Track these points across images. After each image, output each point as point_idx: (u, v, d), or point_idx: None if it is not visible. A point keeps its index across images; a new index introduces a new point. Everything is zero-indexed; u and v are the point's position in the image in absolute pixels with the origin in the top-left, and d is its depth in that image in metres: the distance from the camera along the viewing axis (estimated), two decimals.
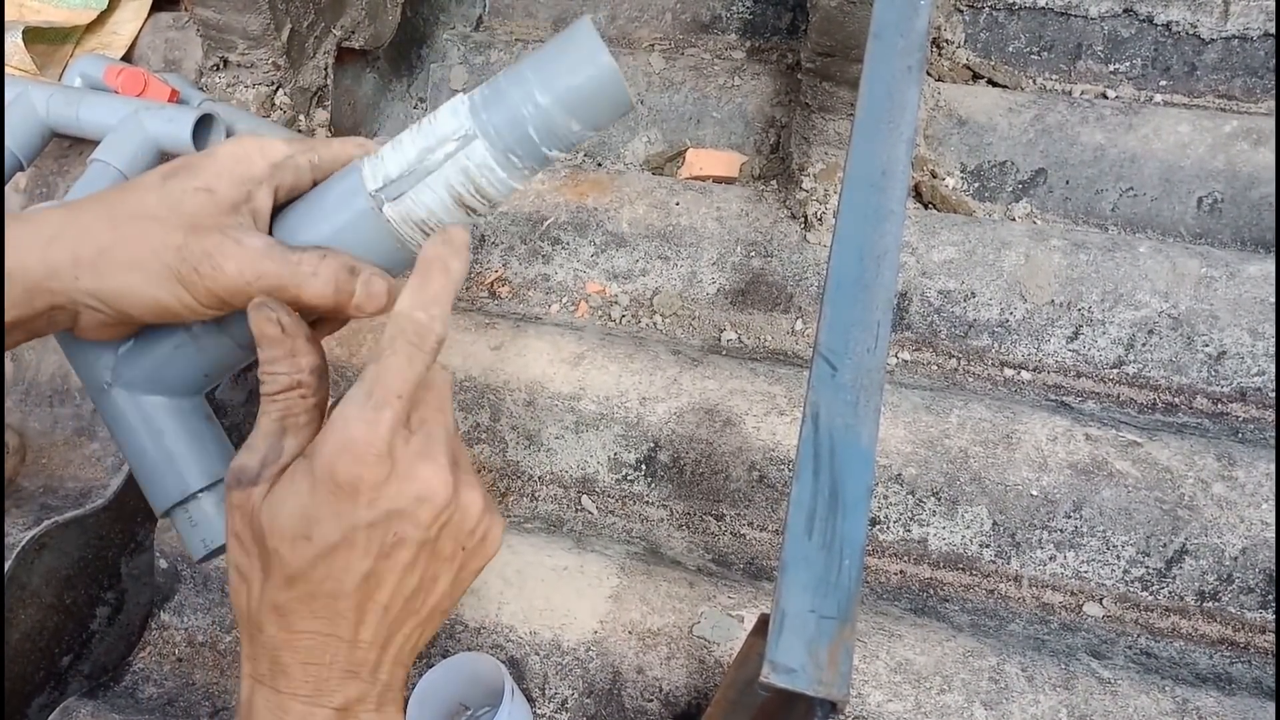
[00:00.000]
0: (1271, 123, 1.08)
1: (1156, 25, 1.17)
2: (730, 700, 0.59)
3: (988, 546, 0.91)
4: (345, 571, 0.41)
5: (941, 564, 0.93)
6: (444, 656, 0.79)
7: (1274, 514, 0.86)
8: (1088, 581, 0.90)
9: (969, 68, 1.24)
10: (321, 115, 1.21)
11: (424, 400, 0.44)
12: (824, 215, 1.07)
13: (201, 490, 0.50)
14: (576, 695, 0.82)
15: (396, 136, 0.45)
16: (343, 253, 0.44)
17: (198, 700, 0.88)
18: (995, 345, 1.05)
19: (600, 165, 1.28)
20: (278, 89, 1.15)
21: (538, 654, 0.83)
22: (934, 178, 1.14)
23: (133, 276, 0.42)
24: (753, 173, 1.21)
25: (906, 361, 1.06)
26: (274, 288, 0.43)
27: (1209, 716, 0.75)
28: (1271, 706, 0.76)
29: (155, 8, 1.23)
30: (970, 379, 1.04)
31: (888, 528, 0.93)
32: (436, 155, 0.43)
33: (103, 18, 1.21)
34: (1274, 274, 0.99)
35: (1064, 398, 1.01)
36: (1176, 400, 1.00)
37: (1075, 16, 1.19)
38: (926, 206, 1.14)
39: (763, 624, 0.59)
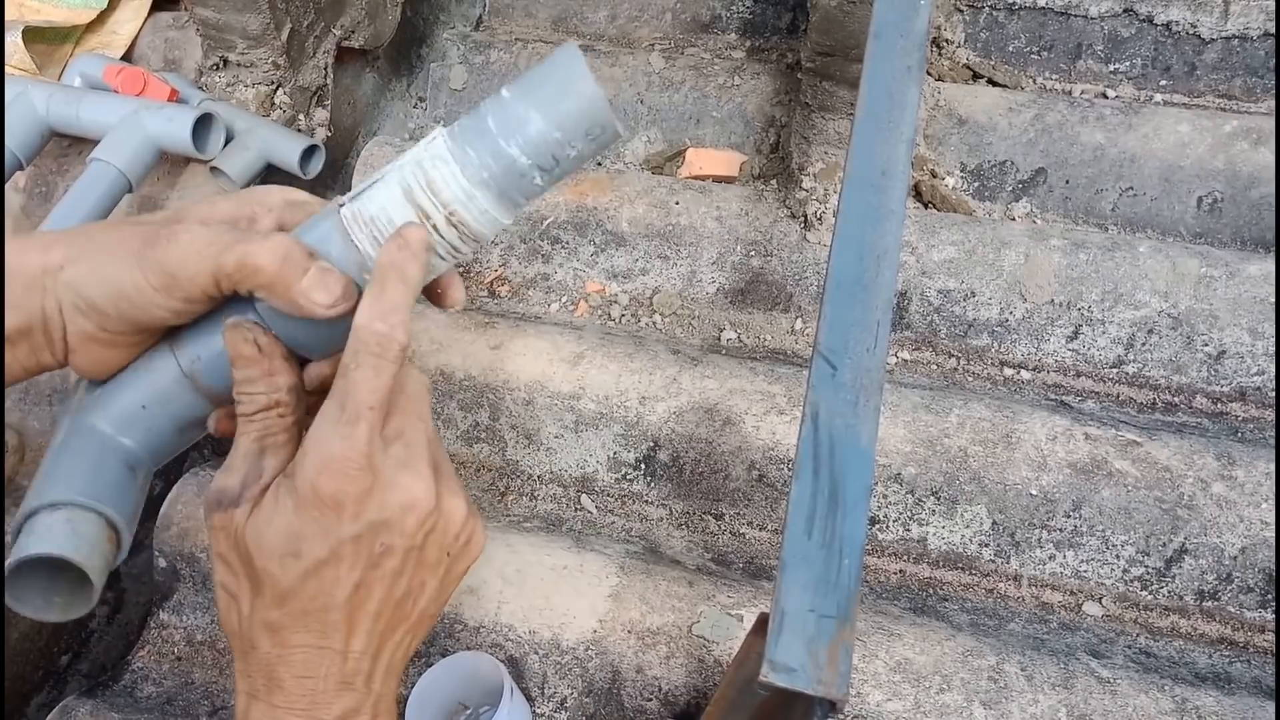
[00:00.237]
0: (1271, 122, 1.08)
1: (1156, 25, 1.17)
2: (730, 699, 0.59)
3: (987, 546, 0.91)
4: (335, 585, 0.42)
5: (941, 563, 0.93)
6: (443, 656, 0.79)
7: (1274, 514, 0.86)
8: (1087, 581, 0.90)
9: (969, 67, 1.24)
10: (321, 114, 1.21)
11: (401, 408, 0.44)
12: (824, 215, 1.07)
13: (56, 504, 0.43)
14: (576, 694, 0.82)
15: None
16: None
17: (196, 699, 0.88)
18: (995, 345, 1.05)
19: (600, 165, 1.28)
20: (277, 88, 1.15)
21: (537, 653, 0.83)
22: (934, 177, 1.14)
23: (100, 259, 0.42)
24: (753, 172, 1.21)
25: (906, 361, 1.06)
26: (223, 258, 0.41)
27: (1208, 716, 0.75)
28: (1271, 706, 0.76)
29: (155, 7, 1.23)
30: (970, 378, 1.04)
31: (887, 527, 0.93)
32: (399, 160, 0.43)
33: (102, 17, 1.21)
34: (1274, 274, 0.99)
35: (1064, 397, 1.01)
36: (1176, 400, 1.00)
37: (1075, 16, 1.19)
38: (926, 206, 1.14)
39: (762, 623, 0.58)
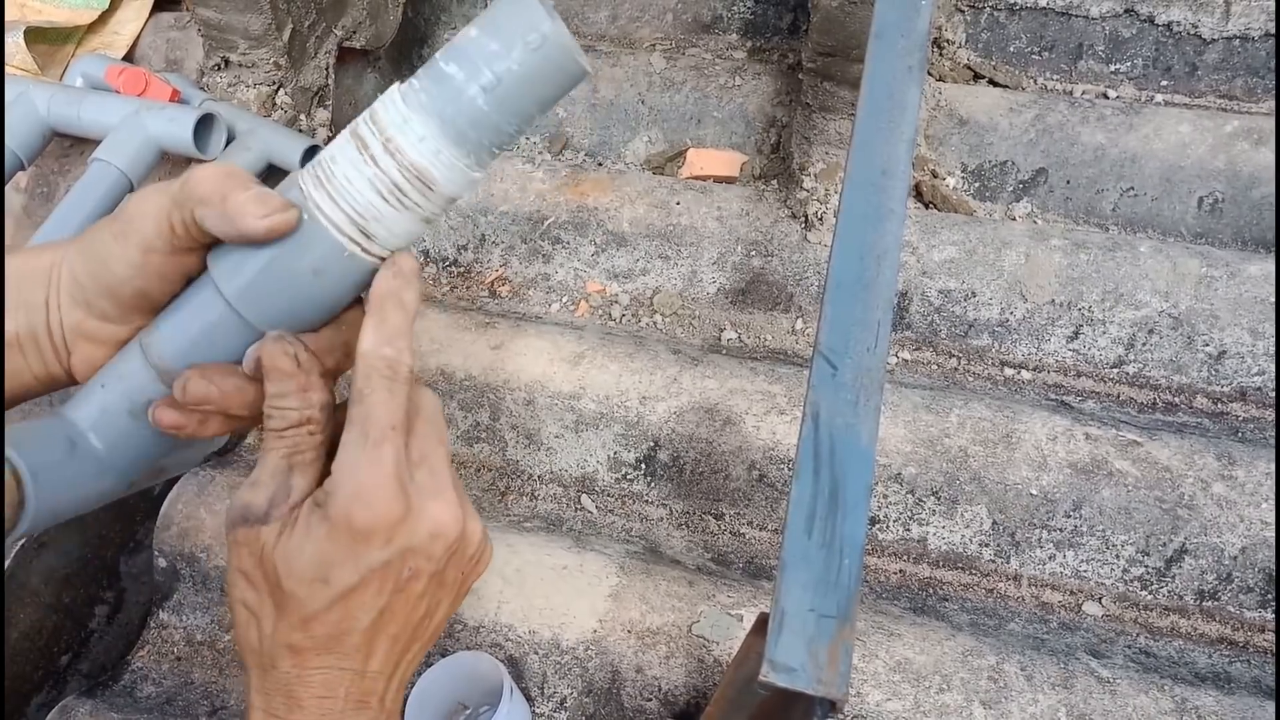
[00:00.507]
0: (1272, 123, 1.08)
1: (1157, 25, 1.17)
2: (729, 699, 0.59)
3: (987, 546, 0.91)
4: (361, 610, 0.42)
5: (941, 563, 0.93)
6: (443, 656, 0.79)
7: (1274, 513, 0.86)
8: (1087, 581, 0.90)
9: (970, 68, 1.24)
10: (323, 115, 1.21)
11: (421, 432, 0.44)
12: (824, 215, 1.07)
13: None
14: (575, 694, 0.82)
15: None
16: None
17: (196, 699, 0.88)
18: (995, 345, 1.05)
19: (601, 165, 1.28)
20: (279, 89, 1.15)
21: (537, 653, 0.83)
22: (935, 177, 1.14)
23: (87, 237, 0.43)
24: (753, 172, 1.21)
25: (906, 361, 1.06)
26: (171, 188, 0.41)
27: (1208, 715, 0.75)
28: (1271, 706, 0.76)
29: (157, 8, 1.23)
30: (970, 378, 1.04)
31: (887, 527, 0.93)
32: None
33: (104, 18, 1.21)
34: (1274, 274, 0.99)
35: (1064, 397, 1.01)
36: (1176, 400, 1.00)
37: (1076, 17, 1.19)
38: (927, 206, 1.14)
39: (762, 623, 0.58)
